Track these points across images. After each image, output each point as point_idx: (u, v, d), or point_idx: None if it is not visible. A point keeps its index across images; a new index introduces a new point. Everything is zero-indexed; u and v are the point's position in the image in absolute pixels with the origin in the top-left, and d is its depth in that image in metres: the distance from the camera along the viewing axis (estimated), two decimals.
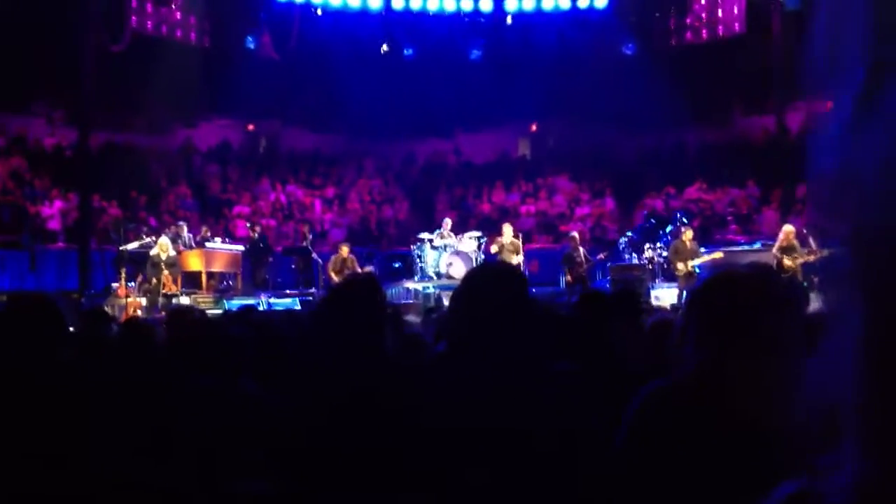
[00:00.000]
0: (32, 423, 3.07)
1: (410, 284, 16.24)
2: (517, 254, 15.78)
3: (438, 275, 15.97)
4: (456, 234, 16.62)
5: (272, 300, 15.17)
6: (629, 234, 17.62)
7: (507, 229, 16.30)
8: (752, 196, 20.88)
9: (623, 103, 21.57)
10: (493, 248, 16.11)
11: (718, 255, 15.21)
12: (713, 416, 1.96)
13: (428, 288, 15.62)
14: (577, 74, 22.16)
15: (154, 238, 16.05)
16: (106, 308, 12.91)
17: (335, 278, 15.37)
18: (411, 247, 17.19)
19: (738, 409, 1.95)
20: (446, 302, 12.56)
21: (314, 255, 17.11)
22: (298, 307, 14.37)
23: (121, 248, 16.14)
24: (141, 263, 15.75)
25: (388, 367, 3.05)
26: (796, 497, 1.14)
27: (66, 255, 17.42)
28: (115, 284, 15.45)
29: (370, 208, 22.67)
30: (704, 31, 23.21)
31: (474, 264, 15.01)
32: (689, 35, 23.53)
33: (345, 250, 16.16)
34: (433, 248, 16.35)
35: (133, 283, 15.60)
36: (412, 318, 10.80)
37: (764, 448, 1.85)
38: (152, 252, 15.19)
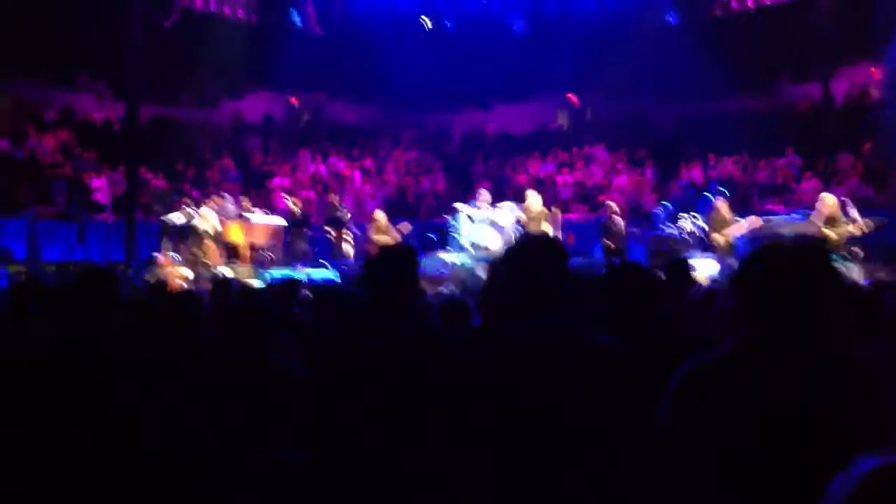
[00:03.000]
0: (89, 390, 3.28)
1: (446, 256, 16.33)
2: (544, 222, 15.62)
3: (474, 246, 16.02)
4: (492, 205, 16.66)
5: (310, 271, 15.42)
6: (666, 204, 17.52)
7: (533, 198, 16.07)
8: (792, 165, 20.58)
9: (664, 73, 21.35)
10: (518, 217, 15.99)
11: (755, 219, 14.90)
12: (760, 388, 1.98)
13: (463, 259, 15.70)
14: (617, 44, 21.94)
15: (197, 210, 16.41)
16: (148, 278, 13.37)
17: (383, 239, 15.62)
18: (447, 217, 17.31)
19: (785, 381, 1.96)
20: (482, 273, 12.68)
21: (351, 226, 17.32)
22: (338, 280, 14.63)
23: (164, 219, 16.53)
24: (184, 234, 16.13)
25: (426, 339, 3.05)
26: (881, 472, 1.23)
27: (112, 227, 17.90)
28: (157, 254, 15.88)
29: (407, 180, 22.84)
30: (750, 0, 22.82)
31: (510, 235, 15.09)
32: (734, 3, 23.13)
33: (381, 217, 16.54)
34: (469, 219, 16.41)
35: (177, 255, 16.02)
36: (446, 289, 10.97)
37: (812, 420, 1.94)
38: (195, 223, 15.54)
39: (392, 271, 3.08)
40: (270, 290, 7.36)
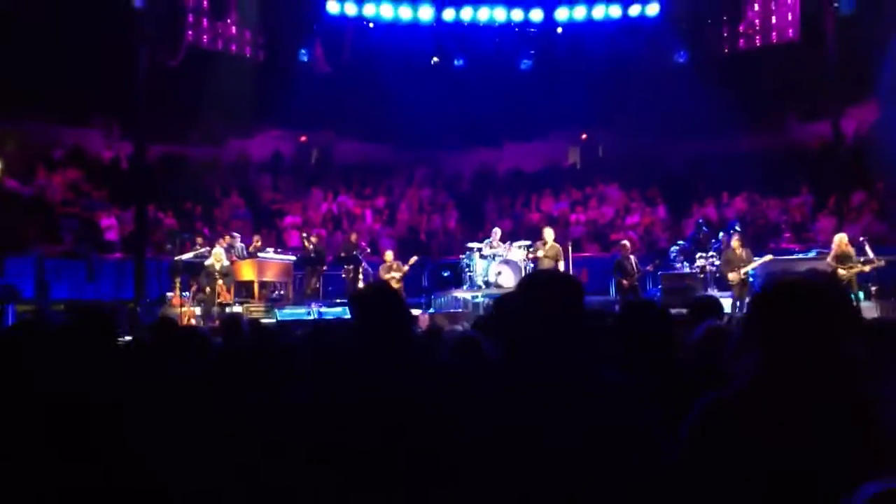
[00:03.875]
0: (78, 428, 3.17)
1: (459, 294, 16.27)
2: (557, 260, 15.66)
3: (487, 284, 15.98)
4: (505, 244, 16.61)
5: (323, 309, 15.32)
6: (681, 242, 17.46)
7: (549, 234, 16.14)
8: (806, 204, 20.53)
9: (674, 111, 21.38)
10: (533, 254, 16.00)
11: (769, 257, 15.01)
12: (777, 424, 1.95)
13: (477, 297, 15.64)
14: (627, 83, 22.04)
15: (208, 248, 16.32)
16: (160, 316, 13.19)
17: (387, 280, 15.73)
18: (460, 256, 17.25)
19: (802, 416, 1.93)
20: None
21: (364, 265, 17.28)
22: (348, 316, 14.51)
23: (175, 259, 16.44)
24: (195, 273, 16.03)
25: (422, 370, 3.06)
26: (883, 497, 1.17)
27: (122, 266, 17.79)
28: (169, 294, 15.76)
29: (419, 218, 22.77)
30: (758, 38, 22.86)
31: (523, 273, 14.98)
32: (741, 42, 23.19)
33: (389, 256, 16.74)
34: (482, 257, 16.38)
35: (187, 293, 15.89)
36: (461, 327, 10.88)
37: (829, 454, 1.90)
38: (207, 262, 15.45)
39: (374, 305, 3.17)
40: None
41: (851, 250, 14.18)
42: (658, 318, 3.73)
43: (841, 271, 13.80)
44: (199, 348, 4.57)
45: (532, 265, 15.85)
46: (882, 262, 14.15)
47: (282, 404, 3.47)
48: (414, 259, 16.73)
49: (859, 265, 14.03)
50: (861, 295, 14.24)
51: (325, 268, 17.92)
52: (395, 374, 2.96)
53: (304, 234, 18.67)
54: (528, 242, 16.62)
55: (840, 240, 14.33)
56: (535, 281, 2.57)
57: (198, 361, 4.40)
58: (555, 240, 16.08)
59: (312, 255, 17.73)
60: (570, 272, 15.19)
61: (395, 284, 15.74)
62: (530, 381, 2.36)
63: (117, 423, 3.24)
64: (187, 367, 4.32)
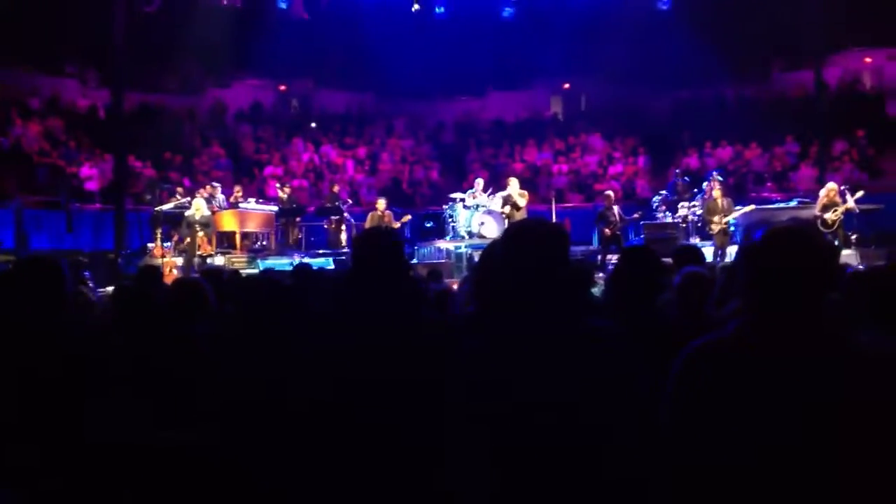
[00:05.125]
0: (29, 382, 3.14)
1: (442, 244, 16.23)
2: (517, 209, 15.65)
3: (470, 234, 15.96)
4: (487, 194, 16.56)
5: (305, 260, 15.24)
6: (663, 192, 17.46)
7: (513, 183, 16.15)
8: (790, 153, 20.56)
9: (657, 60, 21.25)
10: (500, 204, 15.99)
11: (750, 207, 15.07)
12: (765, 369, 1.96)
13: (460, 247, 15.62)
14: (610, 31, 21.75)
15: (188, 199, 16.18)
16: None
17: None
18: (443, 207, 17.18)
19: (790, 366, 1.94)
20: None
21: (346, 215, 17.20)
22: (332, 266, 14.49)
23: (156, 209, 16.30)
24: (176, 224, 15.91)
25: (422, 322, 3.00)
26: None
27: (102, 216, 17.64)
28: (150, 245, 15.66)
29: (402, 168, 22.64)
30: None
31: (506, 224, 14.95)
32: None
33: (381, 205, 16.32)
34: (465, 207, 16.32)
35: (168, 244, 15.78)
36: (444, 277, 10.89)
37: (815, 398, 1.91)
38: (187, 213, 15.32)
39: (374, 250, 3.00)
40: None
41: (839, 200, 14.27)
42: (655, 263, 3.73)
43: (828, 216, 13.97)
44: (194, 300, 4.46)
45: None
46: (856, 209, 14.36)
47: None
48: (407, 217, 16.54)
49: (843, 207, 14.19)
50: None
51: (299, 219, 17.81)
52: (385, 324, 2.88)
53: (279, 185, 18.57)
54: (506, 193, 16.53)
55: (829, 189, 14.42)
56: (521, 230, 2.53)
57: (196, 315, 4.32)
58: (525, 188, 16.15)
59: (289, 205, 17.63)
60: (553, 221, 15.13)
61: None
62: (516, 331, 2.32)
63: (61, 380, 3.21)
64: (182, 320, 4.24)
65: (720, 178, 15.87)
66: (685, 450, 2.03)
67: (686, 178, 17.90)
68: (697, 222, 16.05)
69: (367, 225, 16.09)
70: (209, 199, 16.30)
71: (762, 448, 1.92)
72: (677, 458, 2.05)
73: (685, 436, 2.03)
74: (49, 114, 19.84)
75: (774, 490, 1.92)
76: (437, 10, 22.90)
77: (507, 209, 15.75)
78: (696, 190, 16.87)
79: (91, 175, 18.38)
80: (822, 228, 13.21)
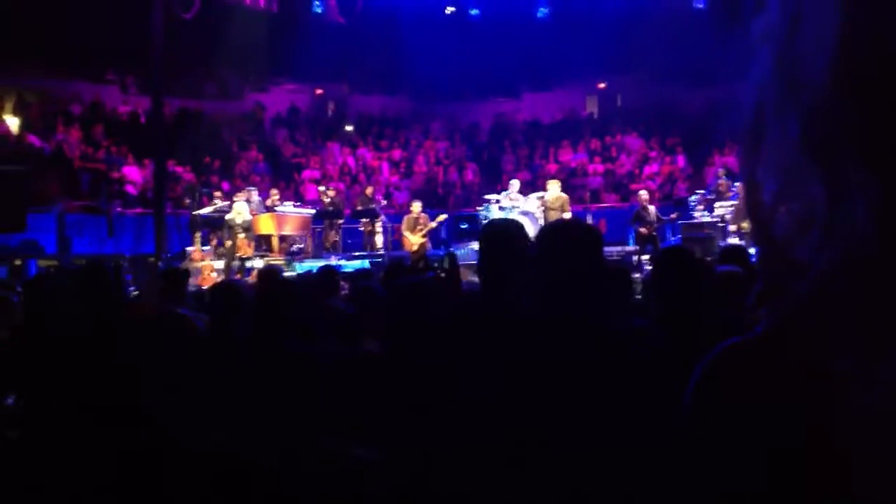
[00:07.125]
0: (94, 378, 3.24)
1: (477, 245, 16.18)
2: (563, 211, 15.50)
3: None
4: (523, 195, 16.51)
5: (342, 262, 15.33)
6: (701, 191, 17.30)
7: (553, 185, 16.01)
8: None
9: (693, 58, 21.01)
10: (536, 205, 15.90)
11: None
12: (791, 372, 1.92)
13: None
14: (645, 30, 21.62)
15: (228, 202, 16.35)
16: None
17: (410, 238, 15.66)
18: (478, 208, 17.19)
19: (815, 362, 1.92)
20: None
21: (382, 217, 17.27)
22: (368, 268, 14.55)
23: (195, 213, 16.49)
24: (215, 227, 16.09)
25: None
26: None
27: (142, 220, 17.85)
28: (189, 248, 15.85)
29: (436, 170, 22.69)
30: None
31: (540, 224, 14.91)
32: None
33: (416, 207, 16.37)
34: (500, 209, 16.29)
35: (207, 247, 15.96)
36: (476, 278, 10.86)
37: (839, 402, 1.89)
38: (227, 216, 15.50)
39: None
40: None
41: None
42: (693, 264, 3.54)
43: None
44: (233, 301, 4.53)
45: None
46: None
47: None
48: (443, 217, 16.56)
49: None
50: None
51: (341, 221, 17.93)
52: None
53: (322, 189, 18.69)
54: (541, 194, 16.48)
55: None
56: (556, 231, 2.53)
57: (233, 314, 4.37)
58: (562, 190, 16.01)
59: (330, 208, 17.73)
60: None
61: (420, 240, 15.75)
62: (550, 330, 2.34)
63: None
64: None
65: None
66: (700, 457, 1.99)
67: (727, 176, 17.72)
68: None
69: (403, 228, 16.14)
70: (248, 202, 16.46)
71: (776, 456, 1.88)
72: (692, 464, 2.01)
73: (701, 439, 1.99)
74: (90, 120, 20.16)
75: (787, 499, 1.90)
76: (471, 11, 22.98)
77: (543, 211, 15.64)
78: (734, 189, 16.69)
79: (131, 180, 18.65)
80: None
